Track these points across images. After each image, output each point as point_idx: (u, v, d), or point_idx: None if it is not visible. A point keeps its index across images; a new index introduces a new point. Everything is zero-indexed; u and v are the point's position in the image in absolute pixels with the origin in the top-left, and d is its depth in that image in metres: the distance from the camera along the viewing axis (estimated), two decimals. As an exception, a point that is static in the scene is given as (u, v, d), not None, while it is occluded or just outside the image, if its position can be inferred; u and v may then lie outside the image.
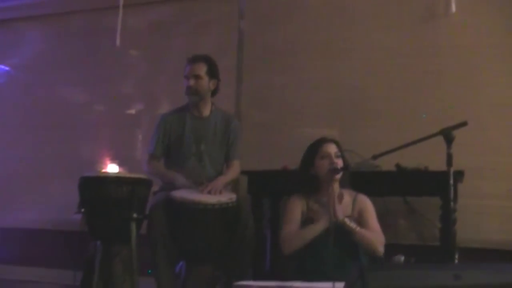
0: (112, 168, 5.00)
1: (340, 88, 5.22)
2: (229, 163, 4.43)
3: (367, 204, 3.72)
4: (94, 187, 4.01)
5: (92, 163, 5.81)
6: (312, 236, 3.55)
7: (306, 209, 3.69)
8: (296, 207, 3.74)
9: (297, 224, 3.69)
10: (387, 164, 4.27)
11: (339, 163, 3.65)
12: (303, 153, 3.82)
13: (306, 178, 3.69)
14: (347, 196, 3.71)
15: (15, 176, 6.35)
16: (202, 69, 4.32)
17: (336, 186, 3.69)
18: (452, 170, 3.20)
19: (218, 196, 3.96)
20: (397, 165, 4.39)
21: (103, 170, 4.85)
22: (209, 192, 3.98)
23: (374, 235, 3.59)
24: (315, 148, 3.75)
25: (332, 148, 3.70)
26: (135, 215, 3.95)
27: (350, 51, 5.25)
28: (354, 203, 3.70)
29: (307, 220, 3.63)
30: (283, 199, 4.91)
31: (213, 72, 4.37)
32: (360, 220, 3.66)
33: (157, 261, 3.86)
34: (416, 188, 4.39)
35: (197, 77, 4.30)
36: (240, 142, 4.49)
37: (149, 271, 3.98)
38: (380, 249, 3.57)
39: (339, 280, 2.79)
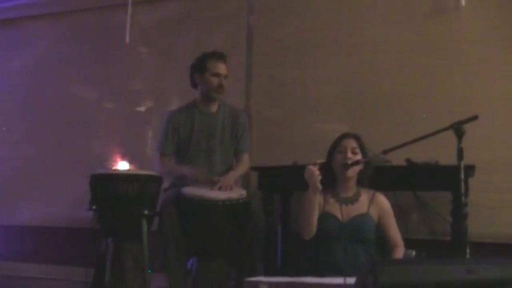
0: (122, 165, 5.02)
1: (350, 83, 5.20)
2: (238, 157, 4.45)
3: (386, 207, 3.71)
4: (105, 184, 4.03)
5: (103, 160, 5.82)
6: (307, 206, 3.56)
7: (323, 202, 3.68)
8: None
9: None
10: (397, 158, 4.26)
11: (354, 158, 3.64)
12: None
13: (324, 171, 3.68)
14: (364, 193, 3.70)
15: (26, 174, 6.37)
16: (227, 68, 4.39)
17: (351, 184, 3.69)
18: (463, 164, 3.19)
19: (228, 192, 3.97)
20: (408, 160, 4.37)
21: (114, 168, 4.87)
22: (220, 188, 3.99)
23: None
24: (335, 142, 3.76)
25: (349, 143, 3.69)
26: (146, 212, 3.98)
27: (360, 45, 5.23)
28: (371, 203, 3.69)
29: (324, 213, 3.63)
30: (294, 195, 4.94)
31: None
32: (379, 223, 3.66)
33: (168, 257, 3.87)
34: (427, 182, 4.37)
35: (226, 76, 4.36)
36: (248, 135, 4.52)
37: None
38: None
39: (351, 274, 2.80)
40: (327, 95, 5.27)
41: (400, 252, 3.61)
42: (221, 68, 4.33)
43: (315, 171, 3.49)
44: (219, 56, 4.36)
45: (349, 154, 3.64)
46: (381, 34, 5.17)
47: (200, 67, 4.36)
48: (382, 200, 3.72)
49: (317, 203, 3.58)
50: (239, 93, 5.42)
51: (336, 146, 3.73)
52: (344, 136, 3.76)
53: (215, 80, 4.31)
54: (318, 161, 3.56)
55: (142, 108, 6.22)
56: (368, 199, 3.69)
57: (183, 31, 6.03)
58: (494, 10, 4.86)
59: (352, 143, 3.69)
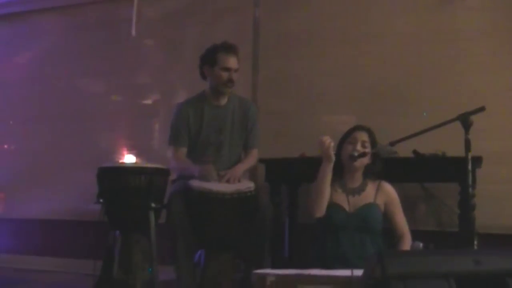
0: (129, 158, 5.03)
1: (357, 75, 5.20)
2: (248, 150, 4.41)
3: (392, 194, 3.71)
4: (113, 177, 4.03)
5: (110, 153, 5.84)
6: (320, 176, 3.56)
7: (330, 193, 3.66)
8: None
9: None
10: (404, 150, 4.25)
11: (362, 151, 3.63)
12: None
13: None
14: (370, 183, 3.70)
15: (34, 168, 6.40)
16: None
17: (358, 175, 3.69)
18: (470, 155, 3.19)
19: (236, 184, 3.96)
20: (415, 151, 4.37)
21: (121, 161, 4.87)
22: (228, 181, 3.99)
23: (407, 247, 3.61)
24: (346, 134, 3.75)
25: (361, 136, 3.68)
26: (153, 205, 3.97)
27: (367, 37, 5.22)
28: (378, 191, 3.69)
29: (331, 204, 3.63)
30: (302, 187, 4.94)
31: None
32: (386, 211, 3.66)
33: (176, 250, 3.86)
34: (434, 174, 4.38)
35: (237, 70, 4.26)
36: (258, 128, 4.47)
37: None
38: None
39: (359, 265, 2.80)
40: (334, 86, 5.27)
41: (406, 241, 3.61)
42: (231, 62, 4.22)
43: (326, 140, 3.50)
44: (229, 49, 4.24)
45: (359, 147, 3.63)
46: (388, 25, 5.16)
47: (210, 59, 4.25)
48: (388, 188, 3.72)
49: (330, 173, 3.56)
50: (246, 85, 5.42)
51: (347, 137, 3.72)
52: (357, 128, 3.75)
53: (224, 75, 4.21)
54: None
55: (148, 101, 6.23)
56: (375, 188, 3.69)
57: (189, 23, 6.03)
58: (500, 1, 4.85)
59: (363, 136, 3.68)
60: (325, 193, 3.58)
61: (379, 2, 5.25)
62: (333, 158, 3.53)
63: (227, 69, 4.22)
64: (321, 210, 3.58)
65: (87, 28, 6.50)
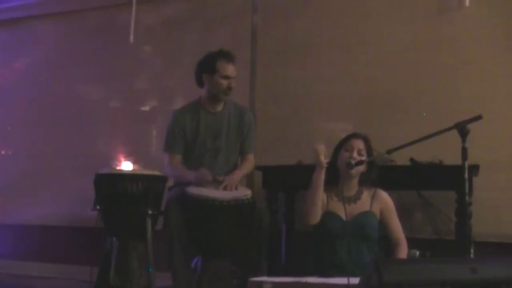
0: (126, 166, 5.02)
1: (354, 82, 5.20)
2: (244, 156, 4.41)
3: (387, 202, 3.71)
4: (110, 184, 4.03)
5: (108, 159, 5.83)
6: (312, 184, 3.57)
7: (326, 201, 3.67)
8: None
9: None
10: (401, 158, 4.26)
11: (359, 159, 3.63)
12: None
13: (328, 169, 3.66)
14: (366, 191, 3.70)
15: (31, 173, 6.39)
16: None
17: (354, 183, 3.69)
18: (467, 164, 3.19)
19: (233, 192, 3.96)
20: (412, 159, 4.38)
21: (118, 167, 4.87)
22: (225, 188, 3.99)
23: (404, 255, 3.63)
24: (343, 140, 3.75)
25: (357, 144, 3.68)
26: (150, 211, 3.98)
27: (364, 44, 5.23)
28: (373, 199, 3.68)
29: (327, 212, 3.63)
30: (299, 194, 4.94)
31: None
32: (382, 219, 3.66)
33: (173, 256, 3.86)
34: (431, 182, 4.38)
35: (235, 77, 4.27)
36: (254, 134, 4.47)
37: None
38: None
39: (355, 273, 2.80)
40: (331, 93, 5.28)
41: (403, 249, 3.62)
42: (231, 70, 4.23)
43: (320, 149, 3.51)
44: (229, 57, 4.25)
45: (355, 154, 3.63)
46: (385, 33, 5.17)
47: (209, 67, 4.25)
48: (384, 195, 3.72)
49: (322, 180, 3.56)
50: (244, 92, 5.41)
51: (343, 144, 3.72)
52: (353, 135, 3.75)
53: (224, 82, 4.21)
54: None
55: (146, 107, 6.23)
56: (370, 196, 3.69)
57: (187, 30, 6.04)
58: (498, 9, 4.86)
59: (359, 144, 3.68)
60: (318, 201, 3.58)
61: (377, 10, 5.25)
62: (324, 165, 3.53)
63: (227, 77, 4.22)
64: (315, 217, 3.58)
65: (86, 34, 6.50)
